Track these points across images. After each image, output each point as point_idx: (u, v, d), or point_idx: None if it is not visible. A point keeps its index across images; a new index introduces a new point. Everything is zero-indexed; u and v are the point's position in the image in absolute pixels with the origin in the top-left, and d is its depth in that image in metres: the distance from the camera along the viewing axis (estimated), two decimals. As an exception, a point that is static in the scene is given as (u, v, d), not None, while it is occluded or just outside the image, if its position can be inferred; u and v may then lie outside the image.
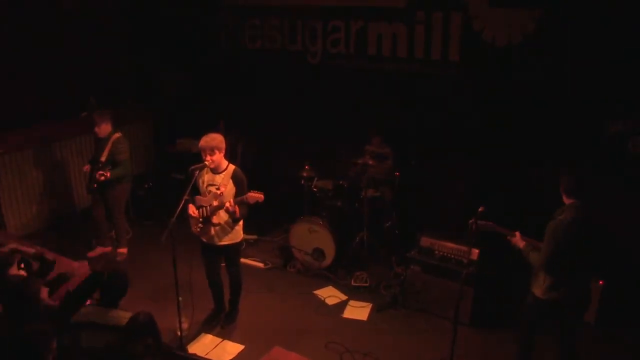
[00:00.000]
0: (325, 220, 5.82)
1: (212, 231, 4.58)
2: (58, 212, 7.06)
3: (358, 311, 5.28)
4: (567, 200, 3.82)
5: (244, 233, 4.82)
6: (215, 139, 4.42)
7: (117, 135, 5.84)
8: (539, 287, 3.91)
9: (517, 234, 4.03)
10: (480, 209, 3.96)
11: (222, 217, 4.53)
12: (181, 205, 4.18)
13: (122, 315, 3.35)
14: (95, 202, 6.17)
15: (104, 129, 5.79)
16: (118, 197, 6.01)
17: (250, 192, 4.34)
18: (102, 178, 5.68)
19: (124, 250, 6.27)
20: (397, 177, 6.07)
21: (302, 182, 6.24)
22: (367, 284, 5.68)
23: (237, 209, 4.39)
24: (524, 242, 3.97)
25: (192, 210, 4.52)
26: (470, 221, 3.99)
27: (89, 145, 7.29)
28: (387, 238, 6.18)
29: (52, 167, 6.95)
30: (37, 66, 6.61)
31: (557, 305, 3.88)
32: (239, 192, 4.46)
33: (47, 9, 6.68)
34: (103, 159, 5.79)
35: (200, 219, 4.53)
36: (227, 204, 4.38)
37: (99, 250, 6.27)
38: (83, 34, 7.05)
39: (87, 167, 6.00)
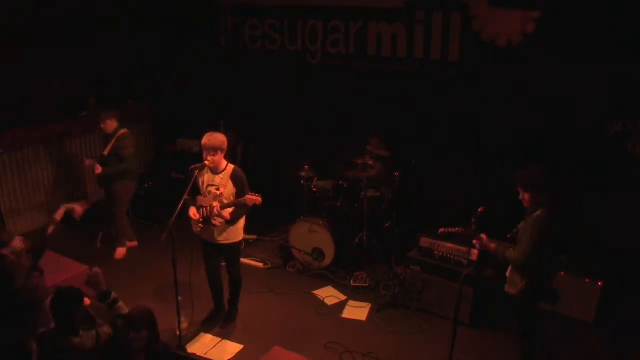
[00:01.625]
0: (325, 221, 5.81)
1: (213, 231, 4.58)
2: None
3: (357, 311, 5.28)
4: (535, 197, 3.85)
5: (244, 233, 4.82)
6: (218, 139, 4.40)
7: (123, 131, 5.91)
8: (514, 287, 3.97)
9: (484, 236, 4.03)
10: (480, 209, 3.97)
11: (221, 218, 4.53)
12: (181, 205, 4.18)
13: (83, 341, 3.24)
14: (107, 200, 6.23)
15: (110, 125, 5.87)
16: (120, 194, 6.01)
17: (248, 194, 4.34)
18: (98, 170, 5.78)
19: (123, 249, 6.26)
20: (397, 177, 6.06)
21: (302, 182, 6.24)
22: (366, 284, 5.68)
23: (226, 213, 4.40)
24: (494, 243, 4.00)
25: (192, 212, 4.52)
26: (471, 221, 3.99)
27: (89, 143, 7.36)
28: (386, 238, 6.17)
29: (53, 166, 6.97)
30: (37, 66, 6.60)
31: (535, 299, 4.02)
32: (239, 192, 4.45)
33: (47, 8, 6.68)
34: (106, 153, 5.86)
35: (201, 220, 4.54)
36: (215, 209, 4.38)
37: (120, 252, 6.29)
38: (83, 33, 7.05)
39: (88, 162, 6.05)
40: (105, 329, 3.37)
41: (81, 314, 3.27)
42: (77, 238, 6.40)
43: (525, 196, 3.90)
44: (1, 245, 3.66)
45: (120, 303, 3.59)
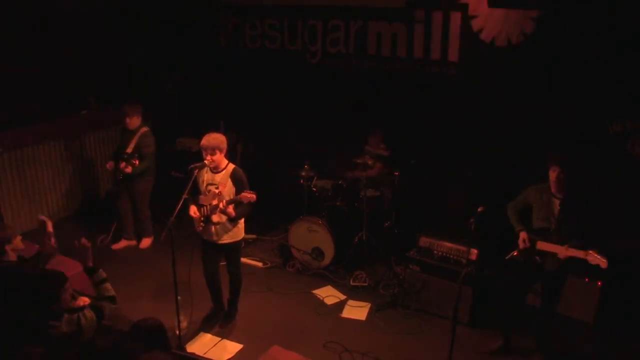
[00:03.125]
0: (325, 220, 5.81)
1: (213, 230, 4.59)
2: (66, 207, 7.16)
3: (357, 311, 5.28)
4: None
5: (244, 232, 4.82)
6: (217, 139, 4.43)
7: (145, 129, 5.98)
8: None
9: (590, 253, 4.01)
10: (479, 209, 3.97)
11: (222, 216, 4.53)
12: (180, 204, 4.19)
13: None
14: (120, 196, 6.22)
15: (135, 121, 5.92)
16: (143, 191, 6.13)
17: (243, 192, 4.35)
18: (128, 169, 5.82)
19: (149, 240, 6.42)
20: (396, 177, 6.06)
21: (302, 181, 6.24)
22: (366, 284, 5.68)
23: (231, 209, 4.40)
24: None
25: (193, 211, 4.54)
26: (470, 221, 4.00)
27: (88, 142, 7.36)
28: (386, 238, 6.17)
29: (52, 164, 6.97)
30: (35, 65, 6.59)
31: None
32: (238, 191, 4.46)
33: (47, 8, 6.67)
34: (129, 150, 5.90)
35: (202, 218, 4.54)
36: (220, 204, 4.40)
37: (123, 243, 6.37)
38: (81, 32, 7.04)
39: (110, 164, 6.05)
40: (88, 313, 3.27)
41: (63, 301, 3.18)
42: (76, 234, 6.36)
43: (561, 176, 4.04)
44: (4, 242, 3.61)
45: (108, 284, 3.52)
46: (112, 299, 3.50)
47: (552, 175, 4.09)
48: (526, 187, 4.39)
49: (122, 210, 6.27)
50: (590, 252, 3.91)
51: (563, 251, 4.02)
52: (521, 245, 4.23)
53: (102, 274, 3.56)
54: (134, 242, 6.44)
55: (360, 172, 5.89)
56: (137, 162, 5.87)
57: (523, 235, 4.23)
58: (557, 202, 4.13)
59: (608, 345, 4.78)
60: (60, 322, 3.14)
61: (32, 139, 6.70)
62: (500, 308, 4.66)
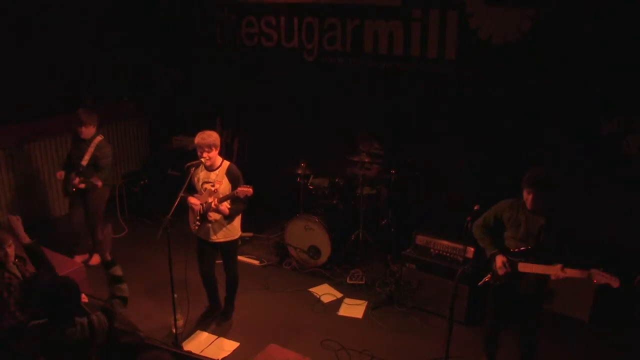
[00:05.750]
0: (321, 218, 5.82)
1: (210, 229, 4.58)
2: (32, 216, 6.56)
3: (353, 309, 5.29)
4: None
5: (240, 231, 4.81)
6: (211, 136, 4.42)
7: (100, 138, 5.60)
8: (532, 288, 3.96)
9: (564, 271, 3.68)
10: (475, 207, 3.97)
11: (217, 214, 4.52)
12: (176, 203, 4.18)
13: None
14: (74, 208, 5.81)
15: (90, 130, 5.54)
16: (97, 202, 5.73)
17: (239, 187, 4.34)
18: (82, 186, 5.51)
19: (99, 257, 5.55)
20: (392, 175, 6.06)
21: (298, 179, 6.23)
22: (362, 282, 5.69)
23: (224, 207, 4.40)
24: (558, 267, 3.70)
25: (193, 200, 4.52)
26: (467, 219, 4.00)
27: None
28: (382, 236, 6.18)
29: (46, 160, 6.95)
30: (31, 63, 6.55)
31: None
32: (234, 188, 4.46)
33: (38, 2, 6.61)
34: (84, 162, 5.54)
35: (197, 217, 4.54)
36: (213, 203, 4.39)
37: (78, 258, 5.72)
38: (79, 30, 7.00)
39: (60, 174, 5.70)
40: (100, 317, 3.18)
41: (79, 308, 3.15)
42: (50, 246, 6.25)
43: (537, 200, 3.71)
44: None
45: (123, 285, 3.44)
46: (123, 300, 3.42)
47: (528, 197, 3.75)
48: (495, 203, 4.10)
49: (76, 222, 5.79)
50: (594, 271, 3.51)
51: (557, 272, 3.66)
52: (502, 271, 3.86)
53: (118, 270, 3.48)
54: (86, 256, 5.90)
55: (358, 170, 5.89)
56: (100, 184, 5.52)
57: (501, 259, 3.87)
58: (536, 220, 3.79)
59: (603, 344, 4.80)
60: (74, 328, 3.05)
61: (28, 137, 6.68)
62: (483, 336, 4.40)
